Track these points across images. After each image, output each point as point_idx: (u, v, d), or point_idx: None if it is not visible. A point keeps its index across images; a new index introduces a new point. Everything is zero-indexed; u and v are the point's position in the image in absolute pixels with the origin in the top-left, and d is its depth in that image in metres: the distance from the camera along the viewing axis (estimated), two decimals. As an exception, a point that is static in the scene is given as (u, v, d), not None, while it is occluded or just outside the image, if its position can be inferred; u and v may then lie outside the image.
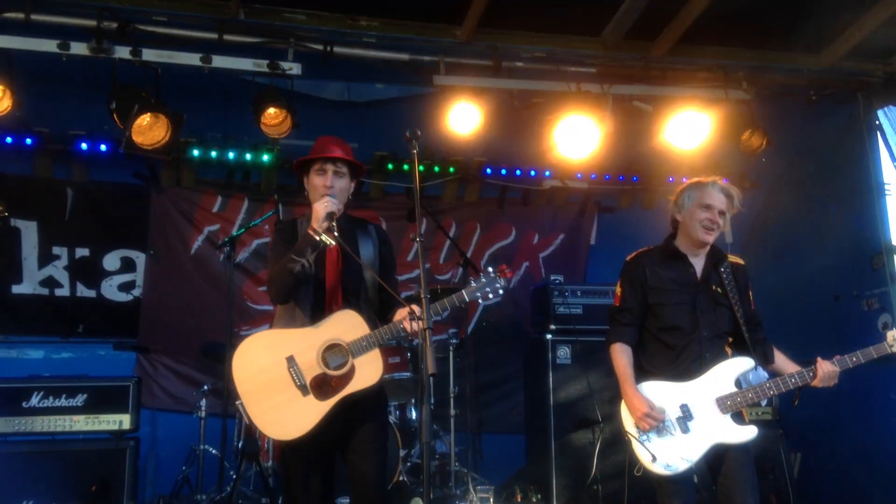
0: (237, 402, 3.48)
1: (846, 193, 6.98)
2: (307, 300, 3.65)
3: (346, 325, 3.58)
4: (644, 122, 6.58)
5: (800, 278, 7.14)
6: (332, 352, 3.56)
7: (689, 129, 6.36)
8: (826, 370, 3.74)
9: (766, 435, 6.05)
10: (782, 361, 3.93)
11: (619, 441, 3.85)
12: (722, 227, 3.90)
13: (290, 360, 3.53)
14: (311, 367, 3.53)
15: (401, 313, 3.55)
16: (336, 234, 3.56)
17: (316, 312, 3.64)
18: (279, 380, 3.52)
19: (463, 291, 3.64)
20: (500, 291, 3.68)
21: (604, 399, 5.71)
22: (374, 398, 3.63)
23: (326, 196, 3.59)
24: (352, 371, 3.52)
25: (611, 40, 6.12)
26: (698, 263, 3.95)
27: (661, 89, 6.44)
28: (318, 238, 3.51)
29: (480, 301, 3.83)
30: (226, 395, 5.72)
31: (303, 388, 3.51)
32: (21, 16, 5.24)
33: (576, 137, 6.22)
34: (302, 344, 3.57)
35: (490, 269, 3.69)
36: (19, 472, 5.09)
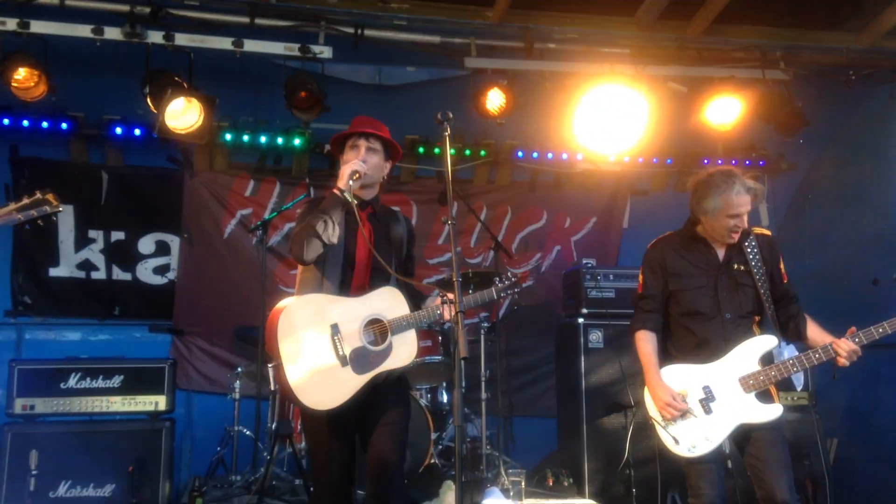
0: (270, 365, 3.38)
1: (885, 175, 6.84)
2: (335, 274, 3.63)
3: (390, 302, 3.59)
4: (679, 104, 6.48)
5: (838, 262, 7.02)
6: (374, 327, 3.56)
7: (725, 110, 6.27)
8: (845, 349, 3.64)
9: (802, 420, 5.99)
10: (818, 334, 3.82)
11: (651, 426, 3.83)
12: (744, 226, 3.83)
13: (335, 329, 3.50)
14: (353, 339, 3.50)
15: (436, 300, 3.61)
16: (365, 210, 3.63)
17: (343, 287, 3.62)
18: (321, 347, 3.47)
19: (492, 290, 3.76)
20: (516, 297, 3.86)
21: (636, 383, 5.65)
22: (395, 380, 3.63)
23: (354, 160, 3.64)
24: (389, 348, 3.53)
25: (645, 20, 6.02)
26: (720, 246, 3.90)
27: (697, 70, 6.34)
28: (342, 195, 3.52)
29: (506, 300, 3.93)
30: (259, 377, 5.78)
31: (343, 359, 3.47)
32: (55, 1, 5.29)
33: (610, 119, 6.15)
34: (347, 314, 3.54)
35: (510, 273, 3.90)
36: (57, 453, 5.18)
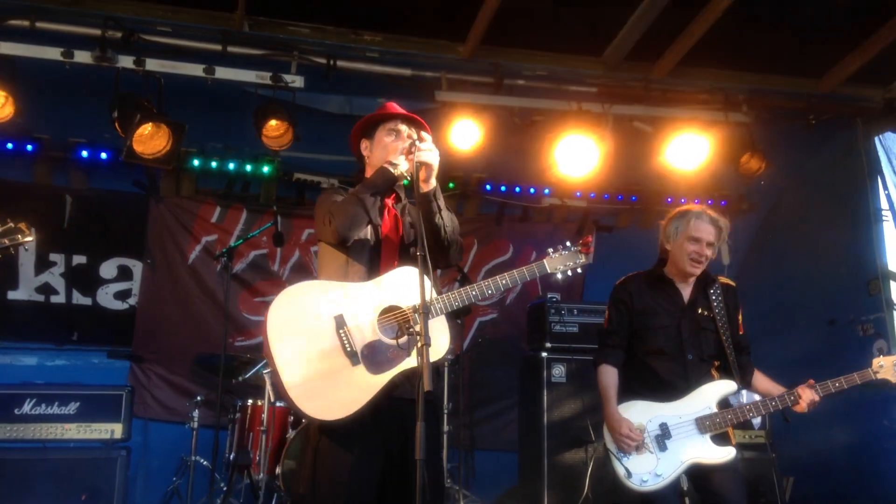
0: (266, 372, 2.93)
1: (843, 218, 7.01)
2: (363, 257, 3.18)
3: (409, 285, 2.98)
4: (644, 143, 6.62)
5: (796, 302, 7.15)
6: (390, 315, 3.06)
7: (689, 150, 6.40)
8: (807, 399, 3.75)
9: (759, 458, 6.05)
10: (766, 385, 3.96)
11: (609, 456, 3.87)
12: (710, 258, 3.94)
13: (339, 321, 3.00)
14: (364, 332, 3.00)
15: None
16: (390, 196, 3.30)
17: (372, 274, 3.16)
18: (324, 343, 2.97)
19: (545, 262, 3.35)
20: (579, 270, 3.44)
21: (598, 418, 5.67)
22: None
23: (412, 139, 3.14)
24: (412, 342, 2.89)
25: (612, 60, 6.16)
26: (686, 288, 4.02)
27: (662, 110, 6.49)
28: (394, 171, 3.11)
29: (559, 275, 3.51)
30: (219, 406, 5.70)
31: (353, 357, 2.96)
32: (26, 23, 5.28)
33: (576, 156, 6.26)
34: (356, 302, 3.04)
35: (569, 244, 3.42)
36: (9, 480, 5.07)
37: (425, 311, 2.71)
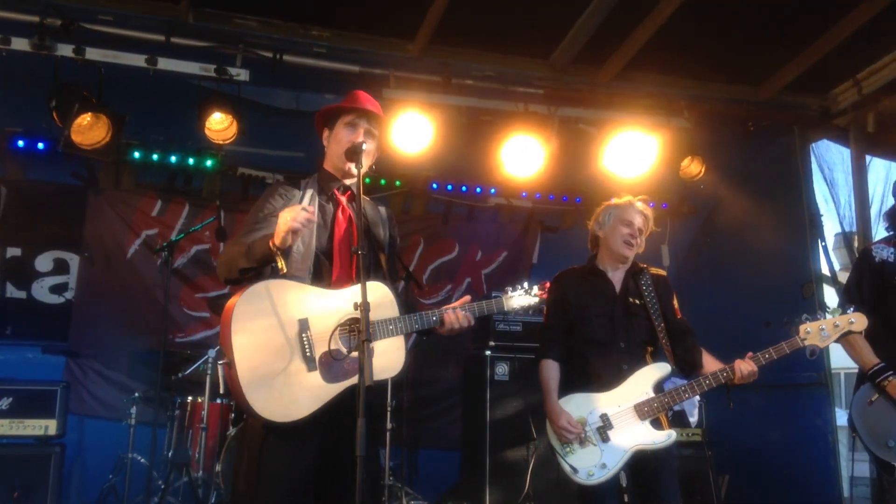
0: (221, 363, 2.84)
1: (780, 222, 7.19)
2: (304, 268, 3.13)
3: (375, 300, 2.92)
4: (589, 145, 6.71)
5: (733, 303, 7.32)
6: (351, 327, 3.03)
7: (632, 153, 6.51)
8: (744, 369, 3.80)
9: (695, 456, 6.17)
10: (712, 364, 3.99)
11: (553, 458, 3.90)
12: (640, 245, 4.09)
13: (303, 324, 2.98)
14: (324, 339, 2.97)
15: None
16: (345, 194, 3.32)
17: (317, 281, 3.13)
18: (285, 344, 2.94)
19: (503, 300, 3.50)
20: (530, 312, 3.54)
21: (540, 416, 5.74)
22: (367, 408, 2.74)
23: (302, 209, 2.95)
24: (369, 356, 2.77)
25: (559, 63, 6.22)
26: (617, 277, 4.11)
27: (607, 113, 6.58)
28: (273, 255, 2.96)
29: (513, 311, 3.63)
30: (158, 402, 5.61)
31: (310, 362, 2.93)
32: (-40, 8, 5.11)
33: (521, 156, 6.31)
34: (322, 308, 3.02)
35: (527, 286, 3.57)
36: (-64, 477, 4.92)
37: (365, 307, 2.71)
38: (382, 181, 7.55)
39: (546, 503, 5.59)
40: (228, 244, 3.27)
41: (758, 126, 6.85)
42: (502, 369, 6.12)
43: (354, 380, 2.93)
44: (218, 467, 5.33)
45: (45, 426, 5.31)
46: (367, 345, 2.64)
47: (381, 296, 3.08)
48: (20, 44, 5.21)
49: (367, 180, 6.91)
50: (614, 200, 4.19)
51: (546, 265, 8.04)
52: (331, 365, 2.98)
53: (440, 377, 7.49)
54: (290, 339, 2.96)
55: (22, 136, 6.52)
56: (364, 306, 2.71)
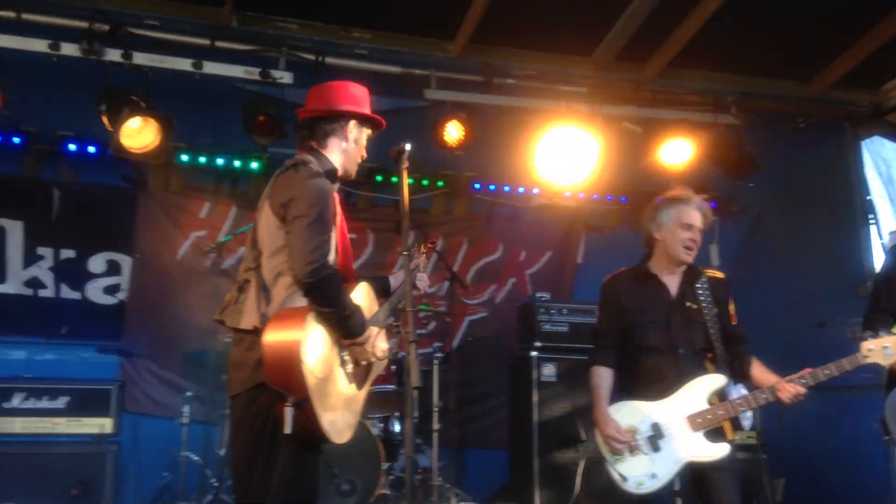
0: (289, 405, 2.67)
1: (832, 221, 7.04)
2: None
3: (367, 298, 3.08)
4: (633, 143, 6.62)
5: (785, 304, 7.16)
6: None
7: (678, 151, 6.42)
8: (789, 391, 3.68)
9: (750, 460, 6.06)
10: (763, 375, 3.85)
11: (603, 460, 3.85)
12: (699, 244, 3.91)
13: (341, 346, 3.04)
14: (345, 349, 3.07)
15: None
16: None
17: None
18: (339, 373, 3.02)
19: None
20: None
21: (589, 418, 5.68)
22: None
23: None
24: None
25: (602, 61, 6.16)
26: (673, 281, 3.94)
27: (651, 111, 6.50)
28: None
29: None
30: (210, 402, 5.68)
31: (351, 378, 3.02)
32: (12, 14, 5.24)
33: (565, 156, 6.26)
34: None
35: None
36: (0, 474, 5.03)
37: (411, 311, 2.70)
38: (425, 182, 7.55)
39: (596, 505, 5.55)
40: (314, 236, 2.99)
41: (808, 123, 6.72)
42: (549, 370, 6.07)
43: (372, 375, 3.10)
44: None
45: (101, 424, 5.42)
46: (414, 346, 2.63)
47: (367, 293, 3.21)
48: (70, 49, 5.31)
49: (411, 181, 6.93)
50: (671, 195, 4.00)
51: (591, 265, 7.96)
52: (357, 372, 3.07)
53: (486, 378, 7.45)
54: (339, 365, 3.00)
55: (74, 139, 6.64)
56: (409, 308, 2.70)
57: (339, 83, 3.38)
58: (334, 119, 3.25)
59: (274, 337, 2.82)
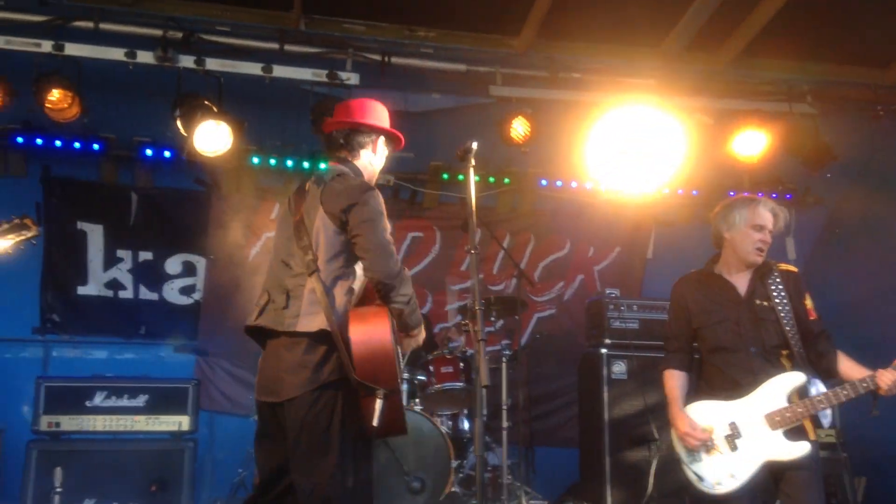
0: (381, 397, 2.94)
1: (916, 210, 6.77)
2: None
3: None
4: (705, 135, 6.47)
5: (868, 298, 6.93)
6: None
7: (752, 142, 6.26)
8: (887, 380, 3.54)
9: (830, 458, 5.88)
10: (852, 370, 3.70)
11: (678, 460, 3.78)
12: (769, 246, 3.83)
13: (395, 332, 3.31)
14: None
15: None
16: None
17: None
18: (397, 356, 3.26)
19: None
20: None
21: (661, 416, 5.59)
22: None
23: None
24: None
25: (671, 51, 6.04)
26: (742, 280, 3.86)
27: (723, 102, 6.36)
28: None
29: None
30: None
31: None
32: (90, 25, 5.41)
33: (635, 150, 6.15)
34: None
35: None
36: (82, 470, 5.22)
37: (480, 308, 2.70)
38: (491, 179, 7.55)
39: (670, 504, 5.47)
40: (387, 239, 3.22)
41: (887, 110, 6.46)
42: (619, 368, 5.99)
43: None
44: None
45: (178, 422, 5.55)
46: (483, 345, 2.63)
47: None
48: (145, 57, 5.46)
49: (477, 178, 6.91)
50: (743, 197, 3.94)
51: (662, 261, 7.83)
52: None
53: (555, 375, 7.42)
54: (397, 349, 3.16)
55: (150, 145, 6.87)
56: (479, 306, 2.70)
57: (369, 101, 3.62)
58: (367, 133, 3.48)
59: (362, 334, 3.01)
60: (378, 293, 3.14)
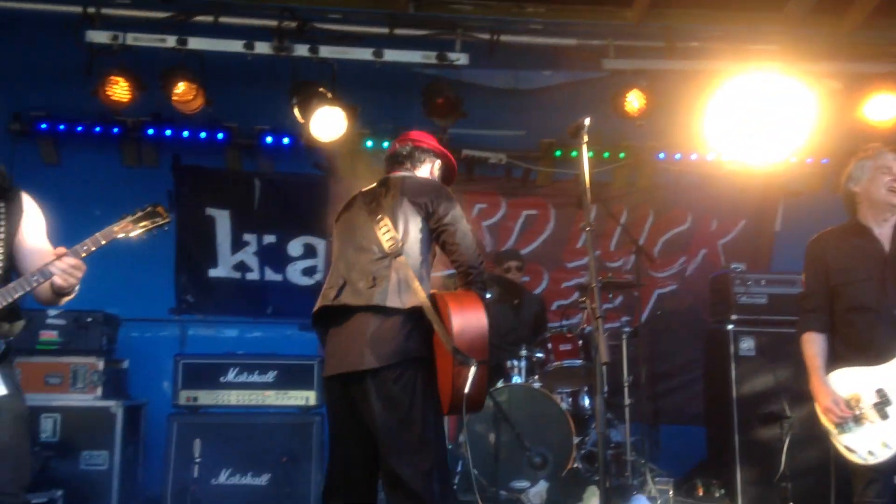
0: (475, 367, 3.24)
1: None
2: None
3: None
4: (833, 101, 6.12)
5: None
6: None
7: (885, 107, 5.91)
8: None
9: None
10: None
11: (810, 437, 3.64)
12: None
13: None
14: None
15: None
16: None
17: None
18: None
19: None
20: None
21: (792, 393, 5.38)
22: None
23: None
24: None
25: (795, 15, 5.73)
26: (885, 234, 3.66)
27: (852, 66, 6.01)
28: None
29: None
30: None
31: None
32: (210, 19, 5.62)
33: (758, 118, 5.89)
34: None
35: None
36: (218, 442, 5.47)
37: (597, 286, 2.67)
38: (605, 154, 7.40)
39: (804, 483, 5.26)
40: (470, 228, 3.51)
41: None
42: (747, 344, 5.78)
43: None
44: (461, 437, 5.51)
45: (305, 397, 5.74)
46: (601, 322, 2.60)
47: None
48: (262, 47, 5.62)
49: (591, 154, 6.79)
50: (861, 152, 3.83)
51: (791, 233, 7.48)
52: None
53: (678, 351, 7.27)
54: None
55: (270, 132, 7.11)
56: (596, 283, 2.66)
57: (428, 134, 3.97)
58: (428, 152, 3.82)
59: (460, 309, 3.22)
60: (463, 278, 3.40)
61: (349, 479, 3.38)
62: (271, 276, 7.38)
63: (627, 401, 5.70)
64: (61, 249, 2.85)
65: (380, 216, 3.45)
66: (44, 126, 6.84)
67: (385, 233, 3.38)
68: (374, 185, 3.71)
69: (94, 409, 5.44)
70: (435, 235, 3.44)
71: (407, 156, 3.77)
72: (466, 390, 3.06)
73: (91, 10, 5.50)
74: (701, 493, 5.70)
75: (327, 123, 5.84)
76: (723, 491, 5.65)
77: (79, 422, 5.38)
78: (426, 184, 3.60)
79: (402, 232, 3.39)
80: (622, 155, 7.42)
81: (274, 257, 7.38)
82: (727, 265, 6.46)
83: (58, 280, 2.81)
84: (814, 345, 3.68)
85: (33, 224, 3.07)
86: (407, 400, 3.22)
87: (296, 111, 5.87)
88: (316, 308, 3.56)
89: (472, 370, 3.07)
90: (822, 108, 5.96)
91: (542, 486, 5.26)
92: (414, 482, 3.14)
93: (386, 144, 7.12)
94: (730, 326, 5.83)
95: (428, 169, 3.78)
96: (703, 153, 7.40)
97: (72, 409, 5.40)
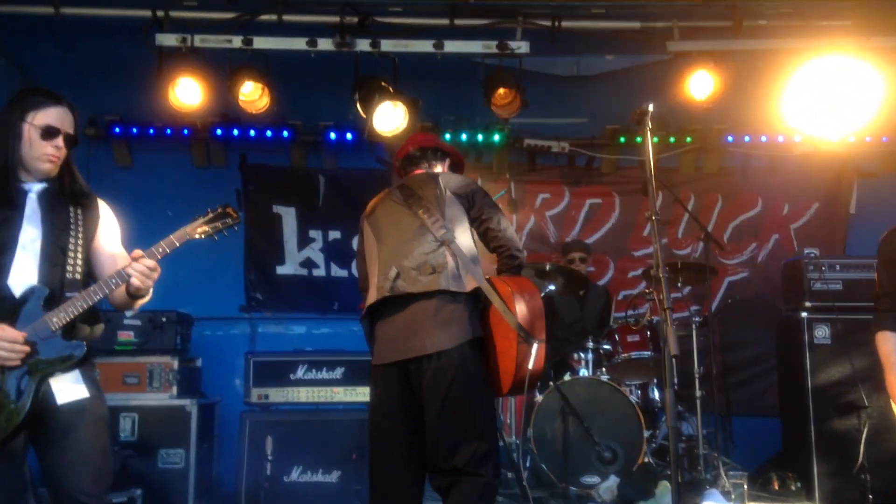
0: (537, 345, 3.33)
1: None
2: None
3: None
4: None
5: None
6: None
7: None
8: None
9: None
10: None
11: (890, 427, 3.51)
12: None
13: None
14: None
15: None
16: None
17: None
18: None
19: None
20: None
21: (871, 382, 5.20)
22: None
23: None
24: None
25: (869, -13, 5.51)
26: None
27: (933, 37, 5.72)
28: None
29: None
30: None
31: None
32: (274, 17, 5.68)
33: (832, 97, 5.68)
34: None
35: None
36: (289, 439, 5.55)
37: (664, 276, 2.61)
38: (671, 139, 7.26)
39: (884, 475, 5.10)
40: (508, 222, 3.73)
41: None
42: (822, 332, 5.60)
43: None
44: (529, 432, 5.48)
45: (373, 393, 5.80)
46: (669, 313, 2.55)
47: None
48: (325, 44, 5.66)
49: (655, 139, 6.65)
50: None
51: (866, 216, 7.23)
52: None
53: (751, 341, 7.10)
54: None
55: (333, 129, 7.17)
56: (663, 273, 2.61)
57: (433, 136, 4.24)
58: (442, 151, 4.02)
59: (522, 291, 3.44)
60: (507, 265, 3.60)
61: (399, 479, 3.41)
62: (337, 271, 7.44)
63: (699, 392, 5.58)
64: (137, 252, 2.91)
65: (424, 208, 3.56)
66: (117, 130, 7.04)
67: (434, 222, 3.51)
68: (403, 182, 3.85)
69: (170, 407, 5.54)
70: (476, 224, 3.64)
71: (421, 157, 3.95)
72: (531, 366, 3.20)
73: (160, 13, 5.63)
74: (776, 487, 5.55)
75: (389, 117, 5.86)
76: (799, 484, 5.49)
77: (155, 420, 5.49)
78: (463, 178, 3.83)
79: (450, 220, 3.55)
80: (689, 139, 7.26)
81: (339, 253, 7.43)
82: (800, 250, 6.26)
83: (135, 281, 2.86)
84: (889, 342, 3.55)
85: (109, 230, 3.14)
86: (474, 374, 3.36)
87: (358, 106, 5.91)
88: (372, 300, 3.57)
89: (535, 346, 3.22)
90: (898, 86, 5.74)
91: (613, 481, 5.18)
92: (472, 465, 3.21)
93: (448, 136, 7.13)
94: (804, 314, 5.66)
95: (442, 167, 3.98)
96: (773, 135, 7.19)
97: (149, 409, 5.51)
